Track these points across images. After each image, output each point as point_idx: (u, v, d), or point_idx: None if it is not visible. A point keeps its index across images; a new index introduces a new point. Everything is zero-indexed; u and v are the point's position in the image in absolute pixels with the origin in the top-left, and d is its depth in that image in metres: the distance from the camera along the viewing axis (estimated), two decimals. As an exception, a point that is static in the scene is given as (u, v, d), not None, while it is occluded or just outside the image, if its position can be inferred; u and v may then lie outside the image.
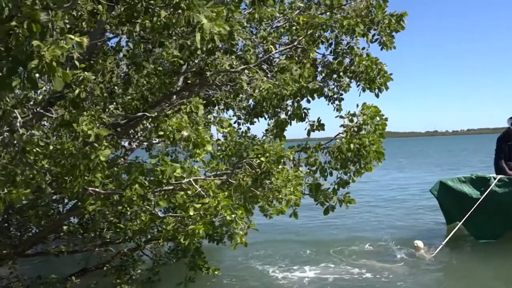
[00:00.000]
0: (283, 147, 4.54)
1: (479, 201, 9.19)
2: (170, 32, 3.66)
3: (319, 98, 6.09)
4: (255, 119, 6.63)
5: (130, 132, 6.54)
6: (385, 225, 11.66)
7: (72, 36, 2.55)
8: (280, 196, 4.50)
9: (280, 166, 4.64)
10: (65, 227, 6.59)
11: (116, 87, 5.40)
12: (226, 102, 6.72)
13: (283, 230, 10.62)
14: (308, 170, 5.24)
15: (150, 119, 4.53)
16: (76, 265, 6.81)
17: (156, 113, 4.12)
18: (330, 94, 6.14)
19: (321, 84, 5.93)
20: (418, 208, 14.50)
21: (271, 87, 4.91)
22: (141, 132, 7.00)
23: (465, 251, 9.27)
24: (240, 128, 7.19)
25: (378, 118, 5.16)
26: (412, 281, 7.08)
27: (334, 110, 6.26)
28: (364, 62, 5.18)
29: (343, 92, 6.10)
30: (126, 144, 7.30)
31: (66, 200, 6.57)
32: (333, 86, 6.16)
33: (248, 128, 7.07)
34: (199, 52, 3.63)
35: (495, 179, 9.51)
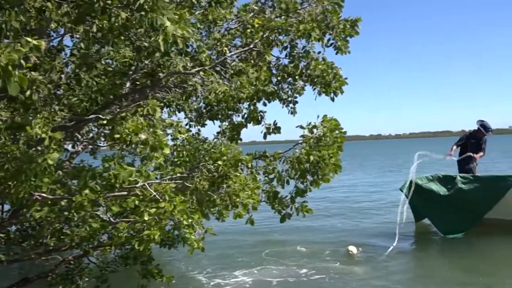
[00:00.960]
0: (241, 150, 4.62)
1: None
2: (126, 33, 3.65)
3: (274, 101, 6.25)
4: (207, 122, 6.69)
5: (74, 134, 6.40)
6: (329, 228, 12.13)
7: (29, 39, 2.51)
8: (238, 200, 4.57)
9: (239, 170, 4.74)
10: (2, 235, 6.34)
11: (62, 88, 5.28)
12: (177, 104, 6.71)
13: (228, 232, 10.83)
14: (266, 178, 5.34)
15: (100, 122, 4.48)
16: (17, 275, 6.57)
17: (110, 116, 4.08)
18: (284, 97, 6.31)
19: (275, 88, 6.07)
20: (363, 209, 15.29)
21: (228, 89, 4.97)
22: (86, 135, 6.86)
23: (419, 248, 10.00)
24: (191, 130, 7.22)
25: (337, 131, 5.35)
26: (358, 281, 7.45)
27: (288, 113, 6.44)
28: (320, 66, 5.36)
29: (297, 95, 6.28)
30: (70, 147, 7.12)
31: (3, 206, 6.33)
32: (287, 89, 6.32)
33: (199, 130, 7.11)
34: (157, 54, 3.63)
35: (461, 177, 10.46)
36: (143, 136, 3.75)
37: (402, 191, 10.75)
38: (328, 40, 5.64)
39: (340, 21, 5.57)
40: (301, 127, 5.14)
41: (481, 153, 11.23)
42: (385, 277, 7.71)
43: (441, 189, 10.50)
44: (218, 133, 6.66)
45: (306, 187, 5.46)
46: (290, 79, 6.14)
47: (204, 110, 6.14)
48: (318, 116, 5.31)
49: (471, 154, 11.04)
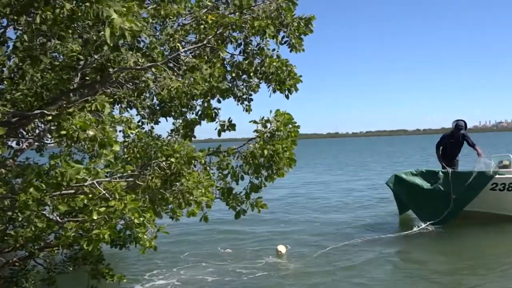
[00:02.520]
0: (194, 147, 4.59)
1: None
2: (74, 25, 3.55)
3: (228, 98, 6.24)
4: (161, 119, 6.60)
5: (19, 131, 6.18)
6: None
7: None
8: (191, 198, 4.54)
9: (192, 168, 4.70)
10: None
11: (5, 82, 5.09)
12: (129, 100, 6.59)
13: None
14: (220, 174, 5.32)
15: (46, 118, 4.34)
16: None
17: (56, 111, 3.96)
18: (239, 94, 6.31)
19: (230, 84, 6.07)
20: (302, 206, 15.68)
21: (181, 86, 4.92)
22: (32, 132, 6.65)
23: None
24: (144, 128, 7.11)
25: (290, 125, 5.39)
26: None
27: (243, 111, 6.45)
28: (274, 64, 5.38)
29: (252, 93, 6.29)
30: (14, 144, 6.87)
31: None
32: (242, 86, 6.32)
33: (152, 128, 7.00)
34: (105, 47, 3.56)
35: (443, 173, 11.52)
36: (91, 133, 3.67)
37: (389, 186, 12.06)
38: (283, 37, 5.67)
39: (294, 19, 5.62)
40: (255, 122, 5.15)
41: (478, 149, 12.10)
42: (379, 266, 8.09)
43: (424, 183, 11.51)
44: (172, 130, 6.60)
45: (261, 183, 5.48)
46: (244, 76, 6.16)
47: (157, 107, 6.05)
48: (271, 111, 5.34)
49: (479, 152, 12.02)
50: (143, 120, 7.14)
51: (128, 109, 7.06)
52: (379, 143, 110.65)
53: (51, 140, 6.72)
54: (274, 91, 5.60)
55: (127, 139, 5.07)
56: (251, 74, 5.63)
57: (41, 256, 6.63)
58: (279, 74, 5.41)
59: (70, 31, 3.82)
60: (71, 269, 6.53)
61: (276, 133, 5.20)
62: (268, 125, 5.22)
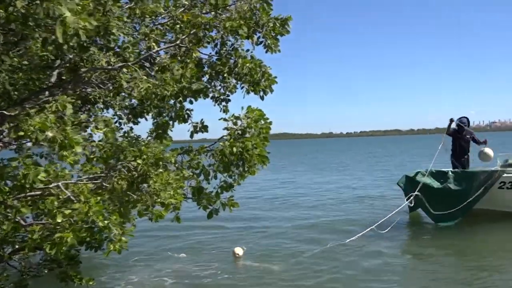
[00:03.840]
0: (162, 148, 4.49)
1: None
2: (32, 24, 3.45)
3: (205, 99, 6.14)
4: (140, 119, 6.50)
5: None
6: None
7: None
8: (159, 200, 4.44)
9: (160, 170, 4.61)
10: None
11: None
12: (105, 101, 6.48)
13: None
14: (191, 173, 5.22)
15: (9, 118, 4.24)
16: None
17: (17, 111, 3.85)
18: (216, 95, 6.22)
19: (206, 85, 5.97)
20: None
21: (150, 86, 4.82)
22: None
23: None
24: (122, 128, 7.01)
25: (262, 122, 5.30)
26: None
27: (220, 111, 6.36)
28: (248, 65, 5.29)
29: (229, 94, 6.20)
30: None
31: None
32: (219, 87, 6.23)
33: (131, 128, 6.89)
34: (65, 47, 3.46)
35: (452, 172, 11.89)
36: (50, 134, 3.56)
37: (399, 186, 12.45)
38: (258, 38, 5.59)
39: (270, 19, 5.53)
40: (225, 119, 5.07)
41: (483, 142, 12.59)
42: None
43: (434, 183, 11.82)
44: (150, 131, 6.50)
45: (235, 181, 5.39)
46: (221, 77, 6.07)
47: (138, 108, 5.95)
48: (242, 108, 5.27)
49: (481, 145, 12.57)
50: (120, 121, 7.07)
51: (106, 109, 7.00)
52: (372, 143, 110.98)
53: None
54: (248, 92, 5.51)
55: (94, 140, 4.95)
56: (226, 74, 5.51)
57: (16, 259, 6.53)
58: (252, 75, 5.32)
59: (32, 29, 3.69)
60: (45, 271, 6.43)
61: (247, 130, 5.12)
62: (239, 122, 5.14)
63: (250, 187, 21.02)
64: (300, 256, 8.90)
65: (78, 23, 2.95)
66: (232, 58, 5.43)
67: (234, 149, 4.87)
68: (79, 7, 3.03)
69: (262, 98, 5.62)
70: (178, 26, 5.97)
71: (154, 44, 5.91)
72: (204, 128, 5.45)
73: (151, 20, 6.00)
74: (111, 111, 7.00)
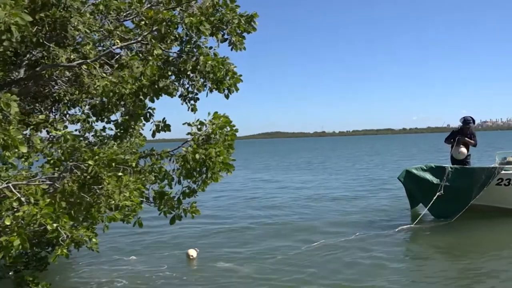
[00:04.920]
0: (116, 150, 4.37)
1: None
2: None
3: (172, 97, 6.01)
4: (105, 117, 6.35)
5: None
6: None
7: None
8: (113, 202, 4.32)
9: (120, 172, 4.49)
10: None
11: None
12: (71, 99, 6.35)
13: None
14: (153, 178, 5.11)
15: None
16: None
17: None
18: (185, 94, 6.10)
19: (172, 83, 5.84)
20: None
21: (108, 84, 4.69)
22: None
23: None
24: (93, 127, 6.87)
25: (228, 128, 5.19)
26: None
27: (188, 110, 6.23)
28: (210, 62, 5.17)
29: (197, 92, 6.08)
30: None
31: None
32: (187, 85, 6.11)
33: (104, 128, 6.75)
34: (6, 43, 3.32)
35: (451, 168, 11.96)
36: (-11, 134, 3.42)
37: (400, 180, 12.51)
38: (223, 35, 5.47)
39: (234, 16, 5.41)
40: (189, 124, 4.95)
41: (472, 142, 12.70)
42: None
43: (434, 178, 11.88)
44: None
45: (200, 186, 5.29)
46: (192, 74, 5.94)
47: (98, 106, 5.81)
48: (209, 113, 5.15)
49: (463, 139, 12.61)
50: (88, 119, 6.93)
51: (71, 107, 6.86)
52: (362, 141, 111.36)
53: None
54: (211, 91, 5.40)
55: (51, 141, 4.82)
56: (189, 72, 5.39)
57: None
58: (215, 72, 5.20)
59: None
60: (10, 274, 6.28)
61: (212, 136, 5.01)
62: (204, 128, 5.02)
63: (216, 186, 20.96)
64: (257, 259, 8.71)
65: (10, 18, 2.82)
66: (194, 55, 5.29)
67: (197, 156, 4.76)
68: (13, 1, 2.89)
69: (227, 96, 5.51)
70: (143, 23, 5.86)
71: (118, 41, 5.79)
72: (167, 127, 5.32)
73: (116, 17, 5.88)
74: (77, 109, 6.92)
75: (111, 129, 5.11)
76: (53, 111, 7.07)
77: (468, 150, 12.83)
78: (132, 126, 5.24)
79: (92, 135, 6.68)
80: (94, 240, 6.75)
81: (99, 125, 6.82)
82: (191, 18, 4.96)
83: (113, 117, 6.51)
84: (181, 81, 6.17)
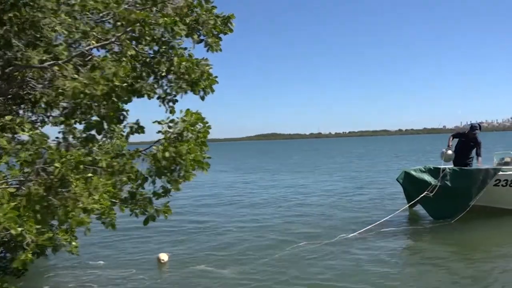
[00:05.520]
0: (83, 151, 4.31)
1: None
2: None
3: (150, 99, 5.95)
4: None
5: None
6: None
7: None
8: (81, 205, 4.26)
9: (90, 174, 4.43)
10: None
11: None
12: (47, 100, 6.27)
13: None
14: (125, 178, 5.04)
15: None
16: None
17: None
18: (162, 95, 6.04)
19: (151, 85, 5.79)
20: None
21: (78, 85, 4.62)
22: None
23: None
24: (76, 129, 6.80)
25: (201, 125, 5.14)
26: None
27: (166, 112, 6.18)
28: (184, 63, 5.12)
29: (175, 94, 6.02)
30: None
31: None
32: (166, 87, 6.06)
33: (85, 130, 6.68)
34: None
35: (449, 169, 12.10)
36: None
37: (399, 182, 12.67)
38: (199, 36, 5.43)
39: (211, 17, 5.37)
40: (159, 122, 4.90)
41: (480, 158, 12.81)
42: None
43: (432, 179, 11.99)
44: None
45: (172, 187, 5.23)
46: (170, 76, 5.89)
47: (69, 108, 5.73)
48: (181, 111, 5.11)
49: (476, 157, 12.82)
50: (67, 122, 6.85)
51: (50, 109, 6.78)
52: (352, 143, 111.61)
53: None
54: (186, 92, 5.35)
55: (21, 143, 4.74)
56: (163, 73, 5.34)
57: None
58: (190, 74, 5.15)
59: None
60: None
61: (184, 133, 4.96)
62: (176, 125, 4.97)
63: (199, 187, 20.95)
64: (236, 261, 8.63)
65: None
66: (166, 56, 5.23)
67: (167, 154, 4.71)
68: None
69: (202, 98, 5.47)
70: (119, 24, 5.80)
71: (94, 42, 5.73)
72: (141, 129, 5.26)
73: (92, 18, 5.82)
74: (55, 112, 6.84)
75: (84, 132, 5.01)
76: (34, 112, 7.01)
77: (470, 153, 13.00)
78: (105, 128, 5.17)
79: (72, 137, 6.63)
80: (74, 243, 6.73)
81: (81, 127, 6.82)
82: (165, 18, 4.90)
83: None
84: (160, 83, 6.14)
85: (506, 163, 13.11)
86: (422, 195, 11.89)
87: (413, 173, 12.38)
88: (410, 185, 12.37)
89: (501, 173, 12.13)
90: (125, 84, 5.20)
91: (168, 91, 6.04)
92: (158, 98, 6.07)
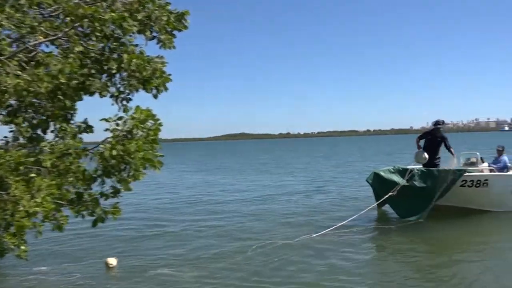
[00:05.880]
0: (24, 152, 4.12)
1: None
2: None
3: (101, 97, 5.77)
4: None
5: None
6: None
7: None
8: (21, 208, 4.07)
9: (32, 175, 4.24)
10: None
11: None
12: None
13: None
14: (71, 178, 4.85)
15: None
16: None
17: None
18: (115, 94, 5.87)
19: (105, 83, 5.61)
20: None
21: (21, 83, 4.43)
22: None
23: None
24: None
25: (152, 122, 5.00)
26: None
27: (119, 111, 6.01)
28: (135, 60, 4.97)
29: (129, 92, 5.86)
30: None
31: None
32: (119, 85, 5.89)
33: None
34: None
35: (417, 170, 12.43)
36: None
37: (368, 182, 12.96)
38: (151, 33, 5.29)
39: (163, 13, 5.24)
40: (106, 120, 4.75)
41: (452, 149, 13.24)
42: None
43: (400, 180, 12.28)
44: (51, 131, 6.07)
45: (122, 187, 5.07)
46: (123, 73, 5.73)
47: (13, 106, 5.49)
48: (131, 108, 4.99)
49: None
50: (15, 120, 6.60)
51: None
52: (331, 142, 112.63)
53: None
54: (137, 90, 5.20)
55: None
56: (114, 71, 5.17)
57: None
58: (141, 71, 5.00)
59: None
60: None
61: (133, 131, 4.82)
62: (125, 123, 4.82)
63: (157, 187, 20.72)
64: (194, 263, 8.53)
65: None
66: (115, 53, 5.07)
67: (114, 152, 4.56)
68: None
69: (155, 96, 5.33)
70: (69, 19, 5.60)
71: (41, 37, 5.51)
72: (89, 128, 5.09)
73: (39, 12, 5.61)
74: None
75: (28, 131, 4.81)
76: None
77: (438, 153, 13.31)
78: (56, 127, 4.98)
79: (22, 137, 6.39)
80: (23, 247, 6.46)
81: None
82: (112, 13, 4.74)
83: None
84: (113, 81, 5.97)
85: (472, 164, 13.49)
86: (388, 194, 12.13)
87: (382, 173, 12.63)
88: (379, 185, 12.62)
89: (467, 174, 12.44)
90: (74, 81, 5.03)
91: (122, 89, 5.89)
92: (111, 96, 5.90)
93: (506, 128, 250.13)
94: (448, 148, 13.24)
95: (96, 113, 6.26)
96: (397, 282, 7.34)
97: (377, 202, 12.84)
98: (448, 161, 13.22)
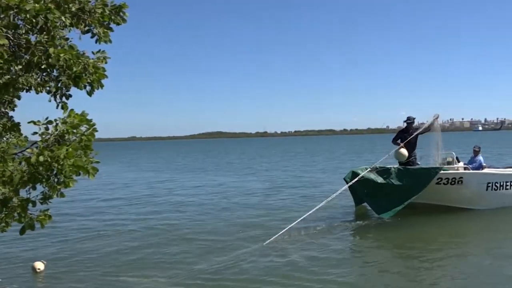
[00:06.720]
0: None
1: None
2: None
3: (38, 93, 5.50)
4: None
5: None
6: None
7: None
8: None
9: None
10: None
11: None
12: None
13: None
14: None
15: None
16: None
17: None
18: (53, 90, 5.60)
19: (38, 80, 5.34)
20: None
21: None
22: None
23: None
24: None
25: (87, 127, 4.75)
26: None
27: (57, 108, 5.74)
28: (63, 55, 4.71)
29: (65, 88, 5.60)
30: None
31: None
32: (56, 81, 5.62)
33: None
34: None
35: (394, 168, 12.95)
36: None
37: (346, 181, 13.26)
38: (85, 26, 5.04)
39: (97, 5, 4.99)
40: (34, 123, 4.48)
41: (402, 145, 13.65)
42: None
43: (378, 178, 12.71)
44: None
45: (55, 193, 4.81)
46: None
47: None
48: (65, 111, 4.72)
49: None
50: None
51: None
52: (306, 141, 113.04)
53: None
54: (67, 87, 4.94)
55: None
56: (43, 66, 4.89)
57: None
58: (70, 67, 4.74)
59: None
60: None
61: (66, 136, 4.56)
62: (56, 127, 4.56)
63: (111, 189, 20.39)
64: (127, 270, 8.31)
65: None
66: (43, 47, 4.80)
67: (41, 158, 4.29)
68: None
69: (89, 93, 5.07)
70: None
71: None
72: (16, 128, 4.81)
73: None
74: None
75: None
76: None
77: (413, 151, 13.74)
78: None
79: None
80: None
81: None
82: (35, 4, 4.48)
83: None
84: (51, 76, 5.70)
85: (448, 163, 13.99)
86: (348, 184, 12.64)
87: (360, 172, 12.86)
88: (357, 184, 12.86)
89: (442, 172, 12.80)
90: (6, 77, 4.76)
91: (59, 85, 5.63)
92: (48, 92, 5.64)
93: (480, 128, 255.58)
94: (427, 129, 13.70)
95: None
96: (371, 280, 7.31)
97: (357, 200, 13.35)
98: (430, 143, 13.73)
